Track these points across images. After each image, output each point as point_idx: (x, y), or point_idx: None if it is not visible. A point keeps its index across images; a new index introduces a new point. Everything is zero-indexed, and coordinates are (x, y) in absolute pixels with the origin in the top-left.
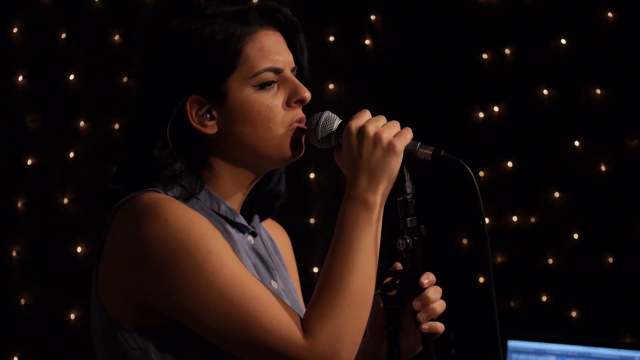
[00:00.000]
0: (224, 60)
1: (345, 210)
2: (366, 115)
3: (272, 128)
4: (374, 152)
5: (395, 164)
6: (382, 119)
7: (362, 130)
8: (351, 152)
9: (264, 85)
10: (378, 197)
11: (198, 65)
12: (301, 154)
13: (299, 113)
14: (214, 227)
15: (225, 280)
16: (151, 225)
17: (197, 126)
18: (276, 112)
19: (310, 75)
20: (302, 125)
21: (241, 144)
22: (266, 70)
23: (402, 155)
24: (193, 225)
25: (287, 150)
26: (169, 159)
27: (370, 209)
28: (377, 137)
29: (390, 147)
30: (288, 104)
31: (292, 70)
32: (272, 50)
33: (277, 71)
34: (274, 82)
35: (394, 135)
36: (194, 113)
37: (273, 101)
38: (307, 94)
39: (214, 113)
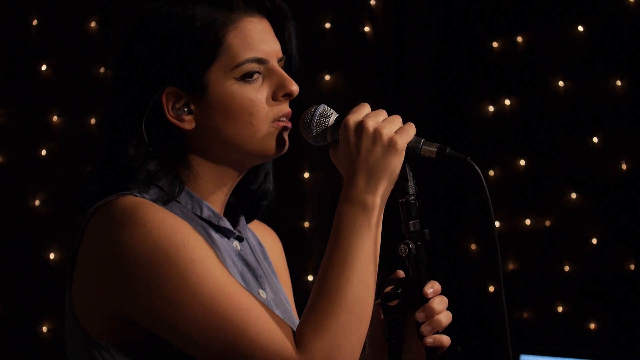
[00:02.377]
0: (204, 50)
1: (342, 213)
2: (365, 109)
3: (254, 124)
4: (373, 150)
5: (397, 162)
6: (382, 114)
7: (360, 125)
8: (348, 149)
9: (246, 77)
10: (377, 199)
11: (176, 54)
12: (284, 151)
13: (284, 108)
14: (197, 233)
15: (210, 290)
16: (128, 231)
17: (173, 120)
18: (259, 106)
19: (300, 66)
20: (287, 122)
21: (221, 140)
22: (249, 61)
23: (404, 152)
24: (174, 231)
25: (269, 148)
26: (145, 157)
27: (369, 211)
28: (377, 133)
29: (391, 144)
30: (274, 97)
31: (280, 60)
32: (257, 39)
33: (261, 62)
34: (257, 73)
35: (396, 131)
36: (170, 106)
37: (257, 95)
38: (295, 88)
39: (192, 107)
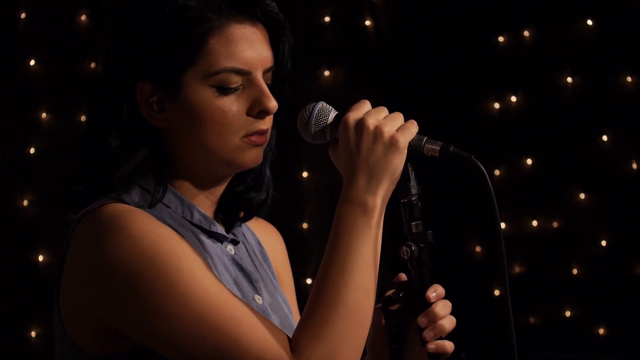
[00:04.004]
0: (184, 51)
1: (341, 214)
2: (365, 106)
3: (223, 136)
4: (374, 148)
5: (398, 161)
6: (383, 111)
7: (360, 123)
8: (348, 148)
9: (223, 90)
10: (378, 200)
11: (155, 48)
12: (255, 166)
13: (259, 125)
14: (184, 242)
15: (200, 300)
16: (114, 241)
17: (145, 114)
18: (231, 119)
19: (299, 61)
20: (260, 138)
21: (193, 144)
22: (227, 70)
23: (405, 151)
24: (160, 240)
25: (239, 161)
26: (126, 149)
27: (369, 212)
28: (377, 132)
29: (392, 143)
30: (249, 112)
31: (268, 71)
32: (240, 47)
33: (241, 72)
34: (235, 84)
35: (397, 129)
36: (143, 101)
37: (230, 107)
38: (272, 105)
39: (165, 105)
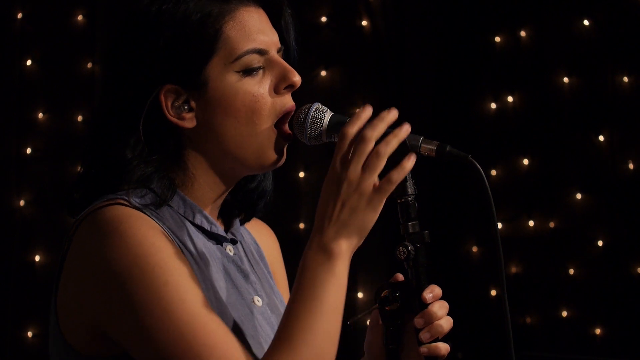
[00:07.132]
0: (201, 44)
1: (306, 259)
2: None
3: (256, 123)
4: (353, 196)
5: (372, 218)
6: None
7: (346, 165)
8: (334, 172)
9: (248, 71)
10: (344, 248)
11: (172, 50)
12: (281, 163)
13: (288, 101)
14: (178, 252)
15: (177, 319)
16: (110, 245)
17: (174, 119)
18: (262, 102)
19: (299, 57)
20: (289, 131)
21: (220, 140)
22: (249, 52)
23: (380, 209)
24: (154, 250)
25: (266, 157)
26: (141, 159)
27: (333, 260)
28: (361, 187)
29: (371, 201)
30: (276, 90)
31: (278, 51)
32: (255, 29)
33: (261, 53)
34: (258, 65)
35: (384, 177)
36: (169, 104)
37: (259, 89)
38: (297, 78)
39: (192, 104)
